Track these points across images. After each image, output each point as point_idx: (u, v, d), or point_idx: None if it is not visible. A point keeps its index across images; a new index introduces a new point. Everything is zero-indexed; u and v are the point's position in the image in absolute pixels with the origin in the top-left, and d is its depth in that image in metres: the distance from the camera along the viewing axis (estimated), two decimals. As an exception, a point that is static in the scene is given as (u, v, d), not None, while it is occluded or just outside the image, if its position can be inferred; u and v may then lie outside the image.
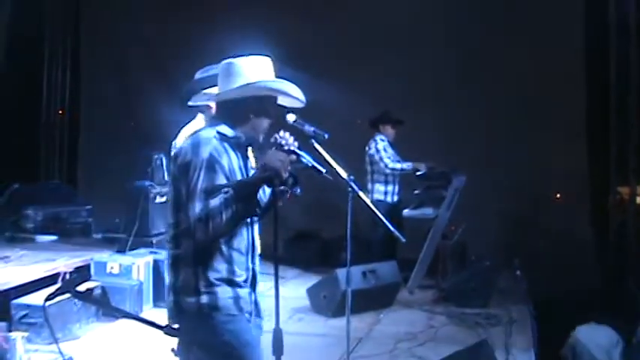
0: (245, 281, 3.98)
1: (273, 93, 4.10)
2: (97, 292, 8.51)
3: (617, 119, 13.19)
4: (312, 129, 4.23)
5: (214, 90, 4.21)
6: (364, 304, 8.65)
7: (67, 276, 8.83)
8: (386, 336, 8.22)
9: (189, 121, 5.85)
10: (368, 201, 5.16)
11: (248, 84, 4.00)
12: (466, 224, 10.59)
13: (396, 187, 10.82)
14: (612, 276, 13.18)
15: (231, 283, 3.94)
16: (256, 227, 4.19)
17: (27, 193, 12.14)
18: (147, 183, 10.48)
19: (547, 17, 12.40)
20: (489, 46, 12.57)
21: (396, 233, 5.50)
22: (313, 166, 4.07)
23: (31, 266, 9.08)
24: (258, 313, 4.13)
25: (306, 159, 4.03)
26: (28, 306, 7.63)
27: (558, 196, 13.69)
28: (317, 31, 12.52)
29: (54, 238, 11.52)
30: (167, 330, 3.52)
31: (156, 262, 9.42)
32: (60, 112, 14.67)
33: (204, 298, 3.87)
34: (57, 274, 8.82)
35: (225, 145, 3.95)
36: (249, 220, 4.03)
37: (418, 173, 10.40)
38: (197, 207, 3.71)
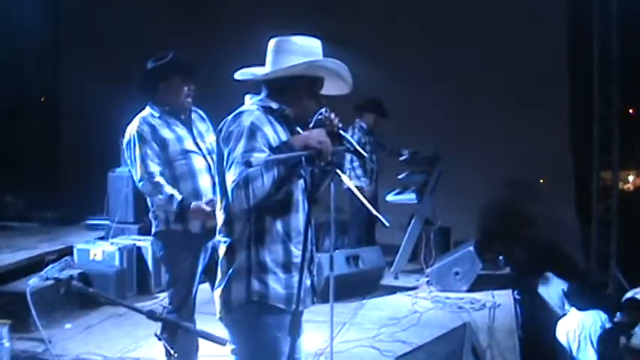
0: (302, 263, 3.81)
1: (331, 75, 4.00)
2: (77, 278, 8.48)
3: (600, 105, 13.23)
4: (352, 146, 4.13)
5: (261, 69, 4.05)
6: (348, 290, 8.65)
7: (50, 263, 8.79)
8: (370, 321, 8.25)
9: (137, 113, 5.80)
10: (352, 186, 5.14)
11: (313, 61, 3.89)
12: (448, 210, 10.62)
13: (375, 175, 10.75)
14: (596, 261, 13.25)
15: (286, 268, 3.85)
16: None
17: (7, 181, 12.08)
18: (129, 169, 10.44)
19: (530, 1, 12.39)
20: (472, 31, 12.57)
21: (380, 218, 5.50)
22: (355, 150, 4.03)
23: (12, 254, 9.05)
24: (312, 299, 4.07)
25: (350, 141, 3.97)
26: (10, 293, 7.60)
27: (542, 181, 13.72)
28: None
29: (35, 225, 11.48)
30: (149, 315, 3.49)
31: (139, 249, 9.40)
32: (42, 98, 14.61)
33: (255, 285, 3.79)
34: (39, 262, 8.77)
35: (270, 117, 3.85)
36: (302, 198, 3.88)
37: (401, 158, 10.40)
38: (236, 172, 3.59)
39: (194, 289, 5.55)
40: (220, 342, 3.47)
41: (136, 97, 5.77)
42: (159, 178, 5.47)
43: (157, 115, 5.62)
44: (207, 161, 5.55)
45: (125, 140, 5.64)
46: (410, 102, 12.01)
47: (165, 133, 5.55)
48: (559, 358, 8.91)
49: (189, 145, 5.56)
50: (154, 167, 5.50)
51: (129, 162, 5.67)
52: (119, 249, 9.17)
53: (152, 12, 12.73)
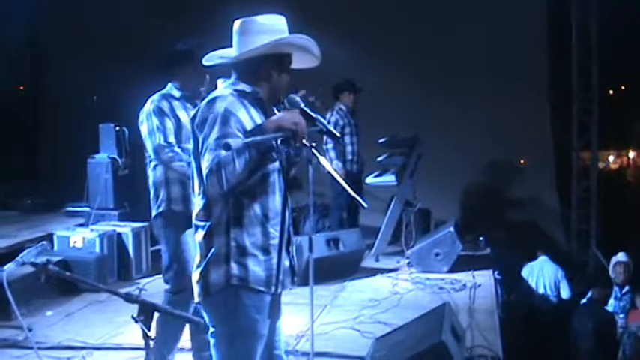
0: (279, 244, 3.83)
1: (299, 50, 3.99)
2: (55, 264, 8.45)
3: (579, 86, 13.29)
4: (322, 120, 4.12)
5: (228, 51, 4.05)
6: (329, 272, 8.66)
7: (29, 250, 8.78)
8: (350, 303, 8.26)
9: (159, 91, 5.85)
10: (330, 168, 5.14)
11: (279, 40, 3.87)
12: (427, 191, 10.65)
13: (356, 157, 10.76)
14: (576, 240, 13.33)
15: (265, 250, 3.84)
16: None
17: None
18: (109, 156, 10.43)
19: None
20: (450, 13, 12.59)
21: (359, 199, 5.51)
22: (328, 131, 4.03)
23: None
24: (292, 280, 4.09)
25: (322, 123, 3.97)
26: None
27: (522, 162, 13.77)
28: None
29: (15, 213, 11.44)
30: (126, 297, 3.50)
31: (120, 235, 9.39)
32: (21, 87, 14.55)
33: (234, 269, 3.78)
34: (20, 250, 8.74)
35: (245, 101, 3.84)
36: (279, 180, 3.88)
37: (380, 141, 10.40)
38: (209, 159, 3.60)
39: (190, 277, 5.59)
40: (197, 323, 3.48)
41: (157, 77, 5.82)
42: (177, 148, 5.56)
43: (177, 95, 5.74)
44: None
45: (144, 113, 5.73)
46: (389, 85, 12.03)
47: (182, 114, 5.67)
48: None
49: None
50: (172, 139, 5.59)
51: (146, 133, 5.71)
52: (99, 235, 9.16)
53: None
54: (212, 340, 3.90)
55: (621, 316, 9.34)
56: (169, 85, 5.79)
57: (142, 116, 5.73)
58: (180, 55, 5.71)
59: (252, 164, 3.59)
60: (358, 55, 11.93)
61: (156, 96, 5.74)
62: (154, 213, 5.74)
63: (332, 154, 10.37)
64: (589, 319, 8.93)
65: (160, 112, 5.63)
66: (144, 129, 5.73)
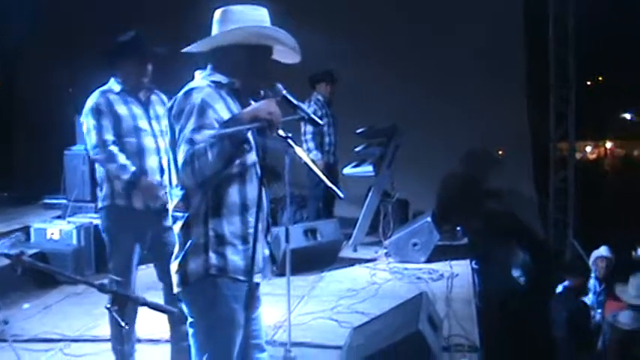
0: (254, 233, 3.77)
1: (268, 40, 3.95)
2: (30, 255, 8.42)
3: (556, 77, 13.35)
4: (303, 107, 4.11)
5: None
6: (307, 263, 8.67)
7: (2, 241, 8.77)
8: (328, 293, 8.27)
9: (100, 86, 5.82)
10: (306, 158, 5.14)
11: (242, 27, 3.84)
12: (406, 181, 10.67)
13: (332, 147, 10.77)
14: (554, 230, 13.40)
15: (244, 239, 3.82)
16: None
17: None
18: (86, 148, 10.37)
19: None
20: (428, 4, 12.59)
21: (335, 189, 5.50)
22: (310, 118, 4.01)
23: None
24: (272, 269, 4.07)
25: (304, 110, 3.95)
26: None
27: (500, 152, 13.82)
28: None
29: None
30: (100, 287, 3.49)
31: (97, 227, 9.32)
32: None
33: (213, 258, 3.77)
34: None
35: (222, 92, 3.82)
36: (256, 169, 3.85)
37: (358, 131, 10.40)
38: (184, 150, 3.56)
39: (133, 267, 5.60)
40: (170, 312, 3.46)
41: (101, 72, 5.79)
42: (113, 147, 5.52)
43: (117, 89, 5.66)
44: (157, 143, 5.59)
45: (84, 111, 5.68)
46: (367, 76, 12.02)
47: (121, 108, 5.60)
48: None
49: (142, 124, 5.60)
50: (109, 136, 5.54)
51: (85, 132, 5.70)
52: (76, 227, 9.12)
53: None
54: (190, 331, 3.89)
55: (599, 311, 9.38)
56: (111, 79, 5.73)
57: (83, 114, 5.71)
58: (120, 48, 5.66)
59: (227, 155, 3.56)
60: (337, 46, 11.92)
61: (95, 94, 5.69)
62: (99, 206, 5.75)
63: (310, 144, 10.37)
64: (563, 308, 8.98)
65: (96, 111, 5.59)
66: (83, 127, 5.74)
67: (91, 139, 5.59)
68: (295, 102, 3.90)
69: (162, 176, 5.49)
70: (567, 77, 13.36)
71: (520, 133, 13.35)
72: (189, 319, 3.88)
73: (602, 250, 10.04)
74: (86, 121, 5.64)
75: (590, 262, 10.17)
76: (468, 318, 7.21)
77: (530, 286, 10.69)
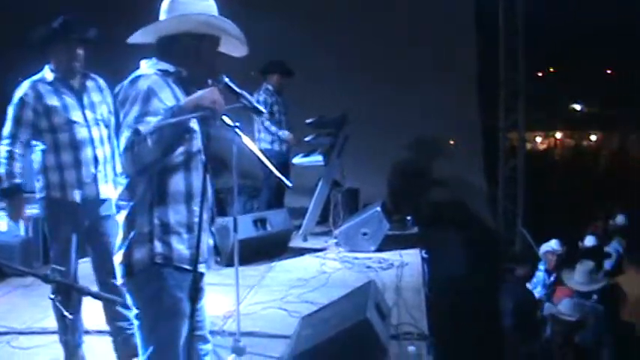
0: (199, 222, 3.71)
1: (215, 30, 3.93)
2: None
3: (506, 67, 13.45)
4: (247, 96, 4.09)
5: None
6: (256, 253, 8.68)
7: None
8: (278, 283, 8.25)
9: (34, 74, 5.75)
10: (254, 147, 5.14)
11: (188, 14, 3.83)
12: (356, 171, 10.69)
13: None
14: (503, 219, 13.51)
15: (189, 228, 3.81)
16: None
17: None
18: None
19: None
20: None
21: (283, 179, 5.52)
22: (254, 107, 3.99)
23: None
24: (216, 260, 4.04)
25: (247, 99, 3.94)
26: None
27: (451, 142, 13.90)
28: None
29: None
30: (44, 278, 3.45)
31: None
32: None
33: (158, 247, 3.74)
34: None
35: (169, 81, 3.80)
36: (201, 158, 3.83)
37: (308, 121, 10.40)
38: (126, 136, 3.52)
39: (72, 257, 5.56)
40: (114, 302, 3.44)
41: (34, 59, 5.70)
42: (6, 148, 5.46)
43: (50, 78, 5.55)
44: (91, 133, 5.51)
45: (12, 101, 5.58)
46: (317, 66, 12.02)
47: (52, 100, 5.49)
48: None
49: (75, 115, 5.49)
50: (17, 133, 5.46)
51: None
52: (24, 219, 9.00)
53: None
54: (136, 323, 3.86)
55: (547, 304, 9.46)
56: (45, 67, 5.62)
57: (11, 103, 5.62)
58: (49, 34, 5.55)
59: (167, 142, 3.55)
60: (288, 37, 11.90)
61: (25, 84, 5.58)
62: (37, 197, 5.70)
63: (263, 134, 10.44)
64: (511, 297, 9.06)
65: (20, 104, 5.48)
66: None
67: (5, 129, 5.51)
68: (238, 90, 3.89)
69: (96, 167, 5.46)
70: (517, 68, 13.48)
71: (470, 123, 13.44)
72: (135, 311, 3.85)
73: (553, 244, 10.15)
74: (8, 111, 5.54)
75: (540, 254, 10.27)
76: (417, 307, 7.23)
77: (479, 275, 10.76)
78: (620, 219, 11.96)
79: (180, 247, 3.78)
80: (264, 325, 6.67)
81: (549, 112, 31.93)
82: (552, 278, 9.91)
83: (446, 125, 12.96)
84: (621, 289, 8.37)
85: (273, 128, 10.46)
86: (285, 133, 10.48)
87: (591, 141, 39.42)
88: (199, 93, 3.68)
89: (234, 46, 4.06)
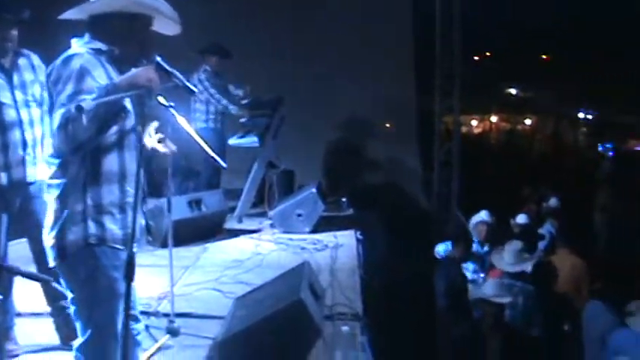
0: (134, 202, 3.65)
1: (147, 10, 3.90)
2: None
3: (442, 51, 13.53)
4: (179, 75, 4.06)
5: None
6: (191, 234, 8.64)
7: None
8: (213, 264, 8.22)
9: None
10: (188, 127, 5.12)
11: None
12: (291, 153, 10.69)
13: (219, 116, 10.74)
14: (438, 202, 13.62)
15: (122, 208, 3.80)
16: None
17: None
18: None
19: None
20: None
21: (217, 159, 5.50)
22: (185, 86, 3.97)
23: None
24: (147, 239, 4.01)
25: (178, 78, 3.91)
26: None
27: (387, 125, 13.96)
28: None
29: None
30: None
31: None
32: None
33: (91, 227, 3.72)
34: None
35: (102, 59, 3.78)
36: (135, 137, 3.83)
37: (243, 102, 10.39)
38: (60, 114, 3.49)
39: (1, 238, 5.48)
40: (46, 281, 3.41)
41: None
42: None
43: None
44: (19, 115, 5.37)
45: None
46: (253, 48, 11.97)
47: None
48: None
49: (3, 96, 5.33)
50: None
51: None
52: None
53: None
54: (73, 308, 3.84)
55: (482, 275, 9.57)
56: None
57: None
58: None
59: (101, 121, 3.53)
60: (227, 20, 11.86)
61: None
62: None
63: (198, 114, 10.42)
64: (444, 278, 9.14)
65: None
66: None
67: None
68: (169, 69, 3.87)
69: (25, 150, 5.36)
70: (453, 52, 13.56)
71: (406, 106, 13.50)
72: (70, 295, 3.82)
73: (483, 215, 10.27)
74: None
75: (471, 227, 10.39)
76: (351, 288, 7.26)
77: (413, 257, 10.83)
78: (553, 202, 12.15)
79: (114, 227, 3.78)
80: (198, 306, 6.66)
81: (485, 96, 32.22)
82: (485, 248, 10.02)
83: (381, 108, 13.00)
84: (553, 269, 8.51)
85: (224, 101, 10.47)
86: (233, 107, 10.50)
87: (526, 125, 39.93)
88: (135, 71, 3.67)
89: (167, 25, 4.04)
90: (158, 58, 3.87)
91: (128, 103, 3.72)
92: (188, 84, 4.03)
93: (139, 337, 4.15)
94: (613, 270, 8.96)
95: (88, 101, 3.45)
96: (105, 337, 3.82)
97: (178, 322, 5.93)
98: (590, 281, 8.86)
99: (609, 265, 9.65)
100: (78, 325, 3.84)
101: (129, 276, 3.59)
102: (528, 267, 8.36)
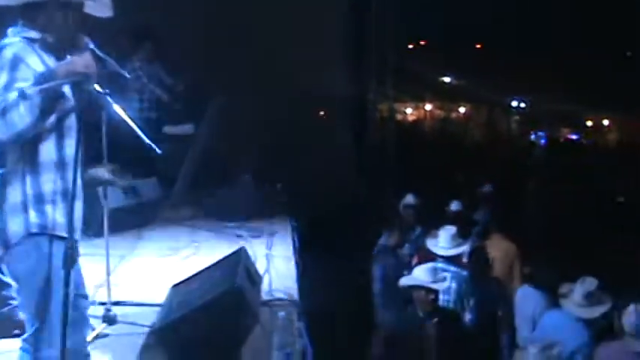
0: (72, 189, 3.69)
1: None
2: None
3: (377, 39, 13.60)
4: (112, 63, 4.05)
5: None
6: (127, 222, 8.55)
7: None
8: (149, 252, 8.21)
9: None
10: (123, 113, 5.11)
11: None
12: (227, 141, 10.67)
13: (154, 104, 10.68)
14: (373, 190, 13.69)
15: (64, 195, 3.77)
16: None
17: None
18: None
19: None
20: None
21: (153, 146, 5.49)
22: (117, 72, 3.96)
23: None
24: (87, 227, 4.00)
25: (111, 64, 3.92)
26: None
27: (322, 113, 14.00)
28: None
29: None
30: None
31: None
32: None
33: (33, 216, 3.72)
34: None
35: (35, 47, 3.76)
36: (75, 125, 3.78)
37: (179, 89, 10.38)
38: None
39: None
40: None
41: None
42: None
43: None
44: None
45: None
46: (190, 34, 11.92)
47: None
48: None
49: None
50: None
51: None
52: None
53: None
54: (19, 299, 3.83)
55: (415, 259, 9.65)
56: None
57: None
58: None
59: (40, 109, 3.53)
60: (160, 6, 11.78)
61: None
62: None
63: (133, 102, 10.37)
64: (380, 264, 9.23)
65: None
66: None
67: None
68: (102, 55, 3.87)
69: None
70: (388, 40, 13.65)
71: (341, 94, 13.54)
72: (15, 285, 3.82)
73: (409, 198, 10.35)
74: None
75: (400, 211, 10.48)
76: (288, 274, 7.34)
77: (349, 243, 10.91)
78: (487, 188, 12.29)
79: (56, 215, 3.78)
80: (135, 294, 6.64)
81: (419, 84, 32.49)
82: (417, 232, 10.10)
83: (317, 96, 13.03)
84: (487, 254, 8.64)
85: (158, 90, 10.43)
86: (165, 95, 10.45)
87: (460, 113, 40.33)
88: (72, 58, 3.66)
89: (98, 8, 4.03)
90: (91, 45, 3.87)
91: (67, 90, 3.71)
92: (120, 70, 4.04)
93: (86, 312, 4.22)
94: (543, 254, 9.12)
95: (25, 89, 3.44)
96: (50, 326, 3.80)
97: (115, 311, 5.92)
98: (522, 266, 9.01)
99: (539, 249, 9.81)
100: (22, 315, 3.83)
101: (67, 264, 3.60)
102: (462, 252, 8.46)
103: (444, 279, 7.53)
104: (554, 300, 7.18)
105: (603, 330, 6.67)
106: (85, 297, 4.15)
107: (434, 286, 7.26)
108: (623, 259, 11.57)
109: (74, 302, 3.80)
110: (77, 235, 3.88)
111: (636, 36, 27.22)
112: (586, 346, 6.59)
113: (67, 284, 3.62)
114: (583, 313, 6.79)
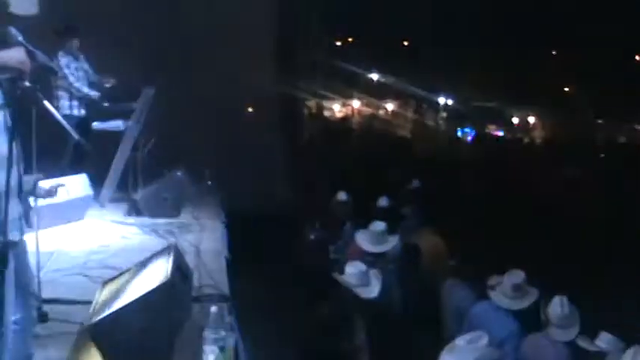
0: (6, 189, 3.67)
1: None
2: None
3: (305, 36, 13.69)
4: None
5: None
6: (55, 219, 8.50)
7: None
8: (78, 249, 8.14)
9: None
10: (51, 108, 5.10)
11: None
12: (157, 137, 10.65)
13: (82, 101, 10.60)
14: (303, 187, 13.77)
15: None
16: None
17: None
18: None
19: None
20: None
21: (82, 142, 5.49)
22: (47, 66, 3.94)
23: None
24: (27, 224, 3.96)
25: (42, 58, 3.89)
26: None
27: (250, 109, 14.03)
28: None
29: None
30: None
31: None
32: None
33: None
34: None
35: None
36: (6, 120, 3.75)
37: (107, 85, 10.31)
38: None
39: None
40: None
41: None
42: None
43: None
44: None
45: None
46: (116, 31, 11.87)
47: None
48: None
49: None
50: None
51: None
52: None
53: None
54: None
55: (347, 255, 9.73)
56: None
57: None
58: None
59: None
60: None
61: None
62: None
63: (62, 101, 10.27)
64: (309, 260, 9.31)
65: None
66: None
67: None
68: (31, 49, 3.86)
69: None
70: (316, 38, 13.73)
71: (269, 90, 13.58)
72: None
73: (340, 195, 10.47)
74: None
75: (333, 206, 10.58)
76: (218, 269, 7.35)
77: (279, 239, 10.95)
78: (415, 183, 12.43)
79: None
80: (65, 291, 6.58)
81: (347, 81, 32.58)
82: (348, 227, 10.19)
83: (244, 93, 13.07)
84: (417, 248, 8.77)
85: (85, 89, 10.36)
86: (94, 93, 10.40)
87: (387, 110, 40.59)
88: (5, 52, 3.64)
89: (23, 5, 4.02)
90: (20, 38, 3.85)
91: None
92: (51, 64, 4.03)
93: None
94: (468, 248, 9.27)
95: None
96: None
97: (46, 308, 5.88)
98: (449, 259, 9.15)
99: (465, 243, 9.97)
100: None
101: (2, 264, 3.58)
102: (390, 247, 8.57)
103: (369, 283, 7.62)
104: (481, 292, 7.34)
105: (530, 321, 6.85)
106: (34, 295, 4.12)
107: (359, 290, 7.37)
108: (547, 252, 11.82)
109: (26, 301, 3.80)
110: (18, 235, 3.85)
111: (565, 35, 27.74)
112: (514, 337, 6.76)
113: (1, 285, 3.62)
114: (512, 305, 6.97)
